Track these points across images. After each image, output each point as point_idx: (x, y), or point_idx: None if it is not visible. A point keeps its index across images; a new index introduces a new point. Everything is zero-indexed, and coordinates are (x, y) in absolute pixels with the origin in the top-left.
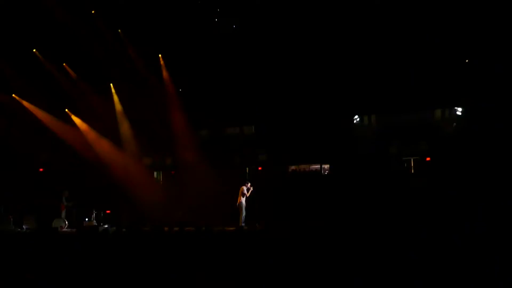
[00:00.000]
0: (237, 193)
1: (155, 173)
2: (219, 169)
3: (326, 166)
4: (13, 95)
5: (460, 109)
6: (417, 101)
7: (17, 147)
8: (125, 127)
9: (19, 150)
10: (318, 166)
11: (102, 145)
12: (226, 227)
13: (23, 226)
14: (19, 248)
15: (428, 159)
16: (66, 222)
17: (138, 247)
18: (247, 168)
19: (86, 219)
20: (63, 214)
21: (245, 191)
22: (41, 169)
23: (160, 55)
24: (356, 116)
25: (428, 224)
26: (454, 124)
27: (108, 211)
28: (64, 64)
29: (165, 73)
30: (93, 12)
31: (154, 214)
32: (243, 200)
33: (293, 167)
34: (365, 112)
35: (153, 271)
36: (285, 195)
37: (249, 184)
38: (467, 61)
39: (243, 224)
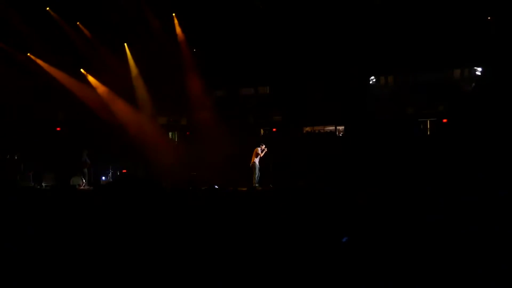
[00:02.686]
0: (251, 154)
1: (169, 134)
2: (233, 130)
3: (341, 128)
4: (29, 54)
5: (479, 69)
6: (436, 61)
7: (34, 106)
8: (140, 87)
9: (36, 109)
10: (333, 128)
11: (118, 105)
12: (239, 187)
13: (42, 184)
14: (38, 204)
15: (445, 120)
16: (84, 180)
17: (153, 205)
18: (262, 130)
19: (103, 178)
20: (85, 171)
21: (259, 152)
22: (58, 128)
23: (174, 14)
24: (373, 77)
25: (442, 190)
26: (473, 84)
27: (124, 170)
28: (78, 23)
29: (179, 33)
30: None
31: (168, 174)
32: (257, 160)
33: (307, 129)
34: (381, 72)
35: (163, 229)
36: (299, 157)
37: (264, 146)
38: (489, 18)
39: (256, 185)
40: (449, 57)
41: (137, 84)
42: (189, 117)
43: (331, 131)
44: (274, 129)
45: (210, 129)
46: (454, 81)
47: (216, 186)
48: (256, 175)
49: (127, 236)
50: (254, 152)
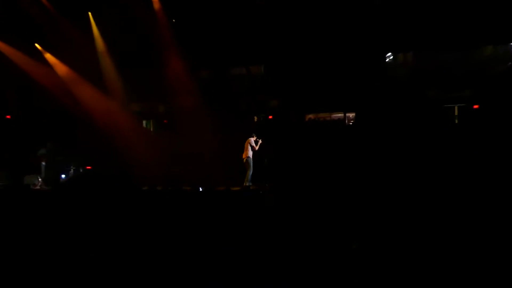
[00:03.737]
0: (243, 146)
1: (144, 122)
2: (222, 118)
3: (351, 115)
4: None
5: None
6: (464, 35)
7: None
8: (108, 67)
9: None
10: (341, 115)
11: (82, 88)
12: (230, 186)
13: None
14: None
15: (476, 106)
16: (40, 179)
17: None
18: (255, 117)
19: (63, 176)
20: (43, 167)
21: (253, 144)
22: (8, 116)
23: None
24: (389, 54)
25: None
26: (510, 63)
27: (88, 167)
28: None
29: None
30: None
31: (144, 170)
32: (251, 154)
33: (311, 116)
34: (400, 49)
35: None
36: (301, 150)
37: (255, 137)
38: None
39: (249, 184)
40: (480, 31)
41: (105, 63)
42: (168, 103)
43: (339, 118)
44: (270, 117)
45: (194, 117)
46: (485, 60)
47: (200, 188)
48: (250, 172)
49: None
50: (247, 144)
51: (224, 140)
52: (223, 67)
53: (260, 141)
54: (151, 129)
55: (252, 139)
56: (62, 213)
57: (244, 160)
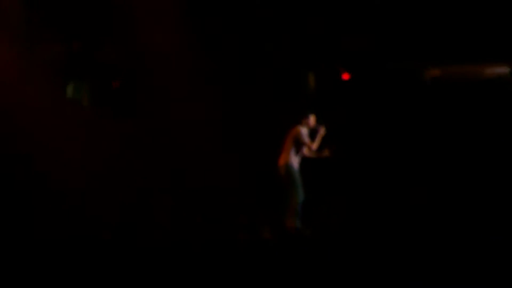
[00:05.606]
0: (281, 143)
1: (70, 88)
2: (233, 84)
3: None
4: None
5: None
6: None
7: None
8: None
9: None
10: (504, 69)
11: None
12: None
13: None
14: None
15: None
16: None
17: None
18: (311, 77)
19: None
20: None
21: (303, 137)
22: None
23: None
24: None
25: None
26: None
27: None
28: None
29: None
30: None
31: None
32: (296, 159)
33: (435, 72)
34: None
35: None
36: (411, 140)
37: (312, 118)
38: None
39: (297, 223)
40: None
41: None
42: (118, 48)
43: (500, 75)
44: (345, 74)
45: (179, 79)
46: None
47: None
48: (298, 195)
49: None
50: (290, 139)
51: (240, 131)
52: None
53: (322, 131)
54: (86, 101)
55: (303, 129)
56: None
57: (282, 169)
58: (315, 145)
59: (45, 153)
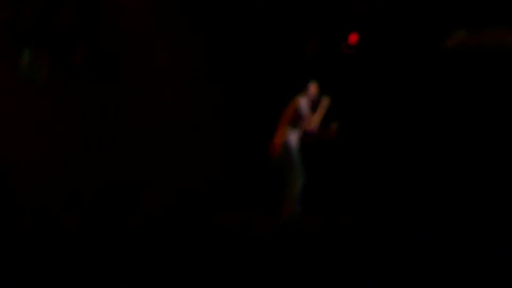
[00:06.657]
0: (276, 120)
1: (23, 56)
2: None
3: None
4: None
5: None
6: None
7: None
8: None
9: None
10: None
11: None
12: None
13: None
14: None
15: None
16: None
17: None
18: (312, 40)
19: None
20: None
21: (302, 109)
22: None
23: None
24: None
25: None
26: None
27: None
28: None
29: None
30: None
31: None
32: (294, 137)
33: (461, 37)
34: None
35: None
36: (434, 118)
37: (313, 88)
38: None
39: (297, 208)
40: None
41: None
42: (82, 15)
43: None
44: (353, 36)
45: (154, 45)
46: None
47: None
48: (298, 179)
49: None
50: (289, 113)
51: (227, 107)
52: None
53: (325, 103)
54: (40, 77)
55: (303, 100)
56: None
57: (279, 148)
58: (316, 119)
59: None
